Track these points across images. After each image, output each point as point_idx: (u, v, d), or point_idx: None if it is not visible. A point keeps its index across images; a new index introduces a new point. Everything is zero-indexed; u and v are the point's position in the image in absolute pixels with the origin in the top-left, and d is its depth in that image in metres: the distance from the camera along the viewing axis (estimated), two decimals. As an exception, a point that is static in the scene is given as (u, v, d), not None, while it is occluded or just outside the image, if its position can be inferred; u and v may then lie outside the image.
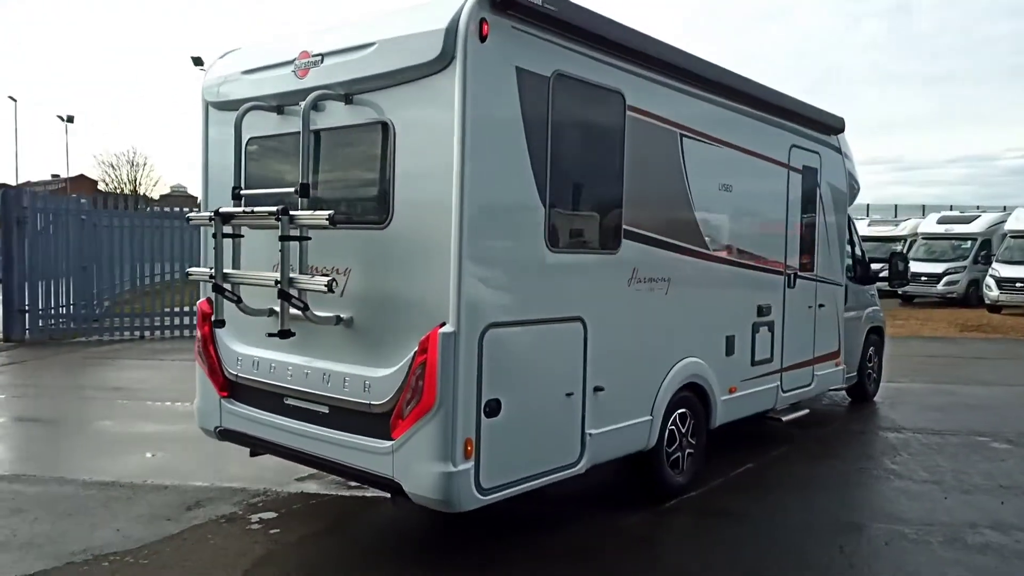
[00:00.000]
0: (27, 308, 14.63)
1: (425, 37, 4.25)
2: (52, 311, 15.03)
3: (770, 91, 6.91)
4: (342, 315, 4.74)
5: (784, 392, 7.40)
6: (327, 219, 4.33)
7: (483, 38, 4.21)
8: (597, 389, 5.12)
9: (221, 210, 4.86)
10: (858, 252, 9.62)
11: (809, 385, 7.88)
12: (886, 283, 10.25)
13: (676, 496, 6.04)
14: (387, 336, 4.53)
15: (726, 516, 5.80)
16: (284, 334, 4.62)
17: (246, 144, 5.38)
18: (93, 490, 6.10)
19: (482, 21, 4.20)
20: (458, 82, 4.14)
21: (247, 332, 5.24)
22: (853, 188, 9.16)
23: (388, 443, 4.41)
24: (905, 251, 23.61)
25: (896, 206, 45.98)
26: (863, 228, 29.82)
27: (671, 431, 5.97)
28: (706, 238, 6.18)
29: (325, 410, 4.81)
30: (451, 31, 4.16)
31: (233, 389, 5.46)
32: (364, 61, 4.58)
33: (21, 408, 9.34)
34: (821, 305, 8.02)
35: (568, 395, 4.92)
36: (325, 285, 4.37)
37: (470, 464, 4.28)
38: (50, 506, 5.72)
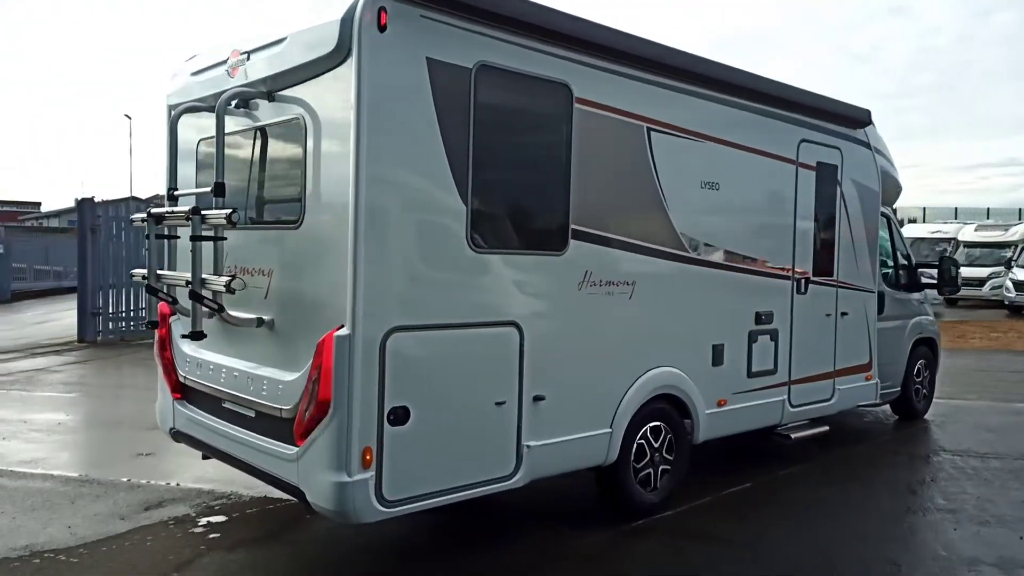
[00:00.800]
0: (99, 311, 15.39)
1: (324, 29, 4.10)
2: (123, 314, 15.77)
3: (770, 82, 6.42)
4: (264, 317, 4.64)
5: (793, 407, 6.84)
6: (226, 217, 4.25)
7: (382, 28, 4.02)
8: (537, 398, 4.83)
9: (152, 211, 4.86)
10: (901, 257, 8.86)
11: (828, 400, 7.27)
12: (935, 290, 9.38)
13: (647, 515, 5.64)
14: (298, 339, 4.39)
15: (701, 539, 5.37)
16: (196, 335, 4.56)
17: (198, 145, 5.40)
18: (70, 486, 6.24)
19: (380, 10, 4.01)
20: (354, 75, 3.97)
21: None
22: (890, 186, 8.44)
23: (294, 450, 4.27)
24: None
25: (1021, 210, 43.03)
26: (969, 233, 27.93)
27: (640, 445, 5.59)
28: (684, 239, 5.77)
29: (252, 414, 4.73)
30: (347, 21, 3.99)
31: (184, 391, 5.46)
32: (277, 56, 4.48)
33: (78, 405, 9.76)
34: (844, 313, 7.39)
35: (499, 404, 4.64)
36: (223, 285, 4.29)
37: (369, 474, 4.07)
38: (21, 500, 5.88)
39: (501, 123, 4.68)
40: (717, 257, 6.10)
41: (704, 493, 6.20)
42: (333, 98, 4.13)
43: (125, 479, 6.41)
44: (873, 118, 7.74)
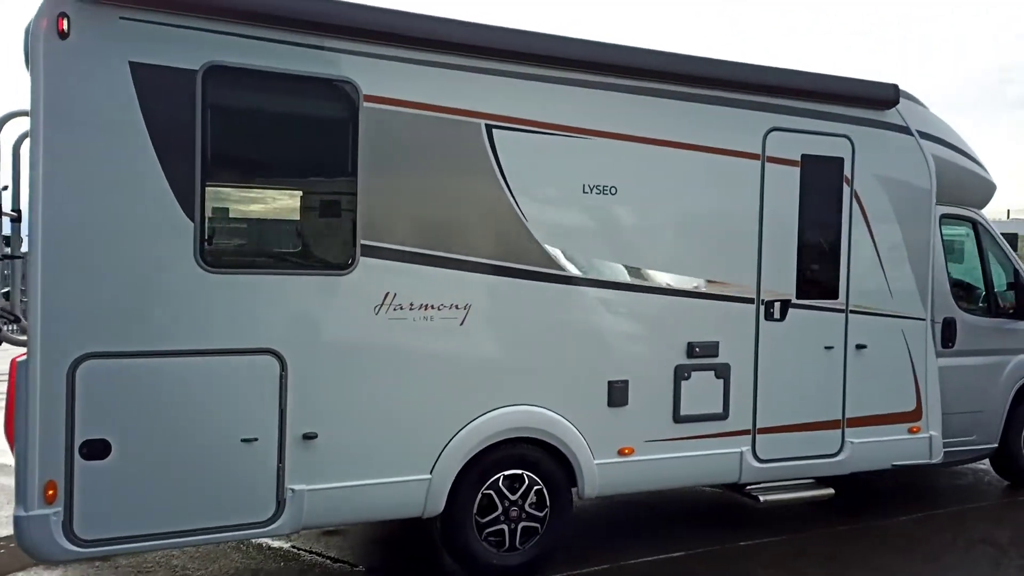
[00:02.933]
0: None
1: (24, 41, 3.96)
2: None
3: (697, 61, 5.20)
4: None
5: (761, 462, 5.48)
6: None
7: (63, 35, 3.78)
8: (308, 437, 4.28)
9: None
10: (1002, 273, 6.80)
11: (834, 455, 5.74)
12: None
13: (504, 580, 4.79)
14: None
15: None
16: None
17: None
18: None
19: (59, 17, 3.76)
20: (32, 87, 3.77)
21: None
22: (967, 183, 6.48)
23: (22, 476, 4.16)
24: None
25: None
26: None
27: (487, 496, 4.76)
28: (555, 255, 4.84)
29: None
30: (27, 32, 3.82)
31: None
32: None
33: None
34: (861, 346, 5.79)
35: (247, 441, 4.17)
36: None
37: (52, 510, 3.82)
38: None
39: (249, 128, 4.23)
40: (615, 275, 5.05)
41: (609, 559, 5.17)
42: (33, 113, 3.95)
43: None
44: (921, 98, 6.03)
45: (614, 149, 4.99)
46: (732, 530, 5.77)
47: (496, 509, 4.79)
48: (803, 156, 5.55)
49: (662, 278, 5.17)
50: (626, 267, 5.09)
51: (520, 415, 4.78)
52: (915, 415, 6.04)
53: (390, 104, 4.42)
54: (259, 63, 4.14)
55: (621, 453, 5.07)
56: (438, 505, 4.61)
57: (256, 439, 4.18)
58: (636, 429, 5.11)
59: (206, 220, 4.04)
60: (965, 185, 6.46)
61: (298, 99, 4.33)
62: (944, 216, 6.41)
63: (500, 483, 4.79)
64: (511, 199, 4.71)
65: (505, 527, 4.81)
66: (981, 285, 6.72)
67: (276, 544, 5.34)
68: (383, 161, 4.40)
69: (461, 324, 4.62)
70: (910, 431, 6.02)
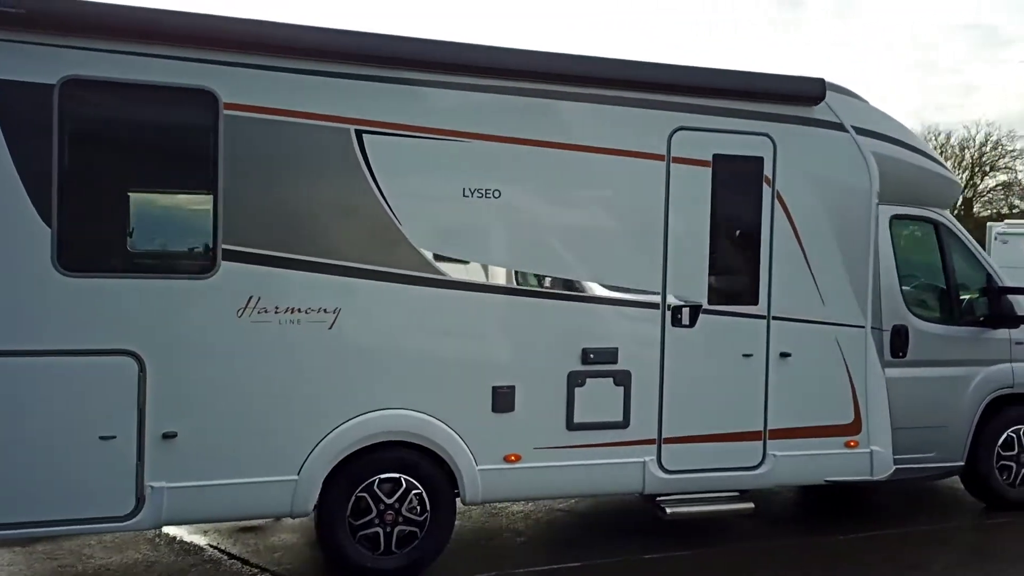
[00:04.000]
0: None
1: None
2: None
3: (581, 60, 5.07)
4: None
5: (669, 473, 5.28)
6: None
7: (-76, 53, 4.04)
8: (167, 436, 4.42)
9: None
10: (970, 278, 6.30)
11: (756, 468, 5.47)
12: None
13: (378, 583, 4.81)
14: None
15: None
16: None
17: None
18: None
19: (-81, 35, 4.03)
20: None
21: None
22: (925, 183, 6.03)
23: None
24: None
25: None
26: None
27: (361, 499, 4.78)
28: (432, 259, 4.81)
29: None
30: None
31: None
32: None
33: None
34: (785, 354, 5.50)
35: (105, 439, 4.34)
36: None
37: (-89, 500, 4.10)
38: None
39: (108, 137, 4.42)
40: (499, 279, 4.99)
41: (494, 566, 5.10)
42: None
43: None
44: (861, 93, 5.69)
45: (498, 152, 4.92)
46: (643, 541, 5.58)
47: (371, 512, 4.81)
48: (715, 156, 5.33)
49: (552, 283, 5.07)
50: (512, 271, 5.02)
51: (393, 419, 4.78)
52: (852, 428, 5.68)
53: (252, 111, 4.50)
54: (118, 75, 4.30)
55: (507, 459, 4.99)
56: (307, 506, 4.67)
57: (114, 436, 4.34)
58: (524, 436, 5.02)
59: (64, 225, 4.22)
60: (921, 184, 6.04)
61: (159, 108, 4.48)
62: (897, 217, 6.01)
63: (375, 486, 4.80)
64: (384, 203, 4.72)
65: (380, 530, 4.82)
66: (943, 291, 6.26)
67: (189, 539, 5.52)
68: (244, 167, 4.49)
69: (330, 328, 4.66)
70: (847, 445, 5.68)
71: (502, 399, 4.97)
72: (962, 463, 6.20)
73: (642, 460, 5.24)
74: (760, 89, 5.40)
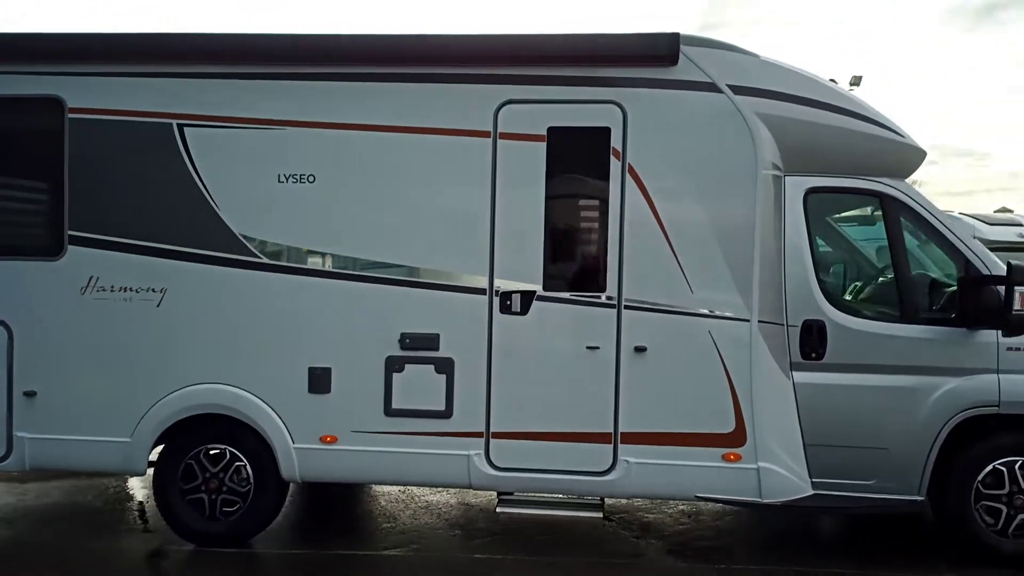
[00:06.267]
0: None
1: None
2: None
3: (397, 39, 4.94)
4: None
5: (499, 470, 4.96)
6: None
7: None
8: (28, 394, 5.21)
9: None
10: (931, 266, 4.96)
11: (605, 473, 4.92)
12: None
13: (210, 544, 5.17)
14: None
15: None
16: None
17: None
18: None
19: None
20: None
21: None
22: (839, 146, 4.88)
23: None
24: None
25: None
26: None
27: (190, 465, 5.19)
28: (249, 242, 5.06)
29: None
30: None
31: None
32: None
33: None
34: (640, 348, 4.87)
35: (-18, 394, 5.24)
36: None
37: None
38: None
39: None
40: (313, 262, 5.08)
41: (321, 545, 5.19)
42: None
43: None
44: (753, 47, 4.84)
45: (310, 138, 5.03)
46: (480, 540, 5.26)
47: (197, 479, 5.19)
48: (550, 129, 4.89)
49: (367, 265, 5.04)
50: (326, 254, 5.09)
51: (212, 393, 5.11)
52: (733, 439, 4.84)
53: (92, 113, 5.13)
54: (-15, 91, 5.19)
55: (323, 440, 5.07)
56: (138, 467, 5.19)
57: (-11, 393, 5.23)
58: (340, 418, 5.06)
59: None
60: (852, 149, 4.94)
61: (15, 116, 5.27)
62: (816, 190, 4.99)
63: (202, 456, 5.19)
64: (204, 191, 5.08)
65: (204, 496, 5.18)
66: (890, 280, 5.03)
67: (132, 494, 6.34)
68: (87, 163, 5.13)
69: (158, 306, 5.13)
70: (725, 458, 4.86)
71: (318, 380, 5.06)
72: (920, 498, 4.94)
73: (467, 453, 4.98)
74: (602, 52, 4.85)
